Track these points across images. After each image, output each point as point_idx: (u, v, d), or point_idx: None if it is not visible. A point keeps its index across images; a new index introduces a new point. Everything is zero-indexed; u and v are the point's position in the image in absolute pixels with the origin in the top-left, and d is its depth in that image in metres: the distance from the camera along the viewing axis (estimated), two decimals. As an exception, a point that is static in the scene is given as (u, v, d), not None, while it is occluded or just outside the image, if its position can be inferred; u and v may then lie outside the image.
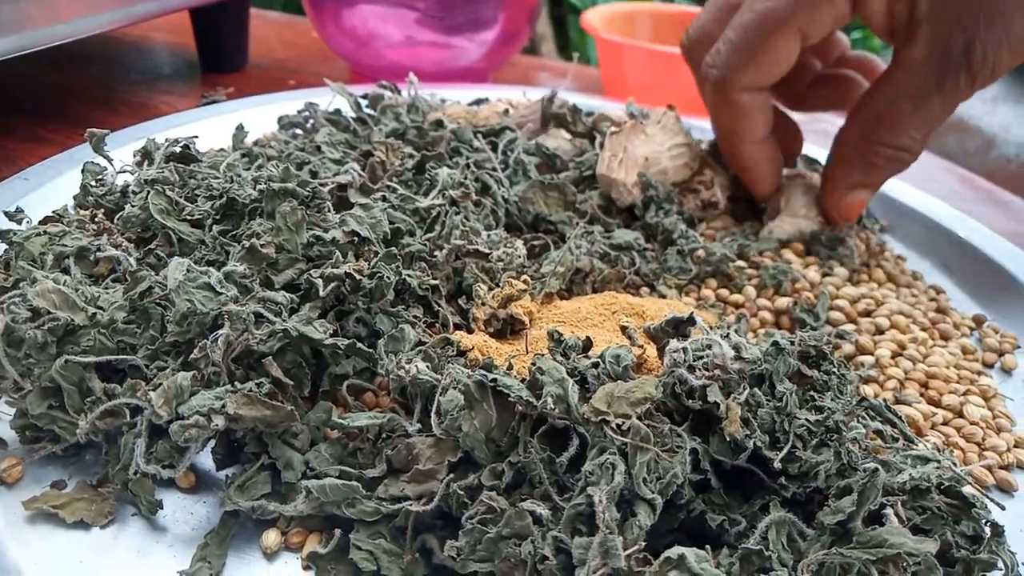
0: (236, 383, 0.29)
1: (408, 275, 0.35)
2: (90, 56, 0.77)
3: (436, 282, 0.37)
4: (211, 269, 0.32)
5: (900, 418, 0.32)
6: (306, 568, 0.27)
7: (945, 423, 0.36)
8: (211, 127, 0.53)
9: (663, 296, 0.43)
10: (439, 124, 0.50)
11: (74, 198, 0.41)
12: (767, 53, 0.43)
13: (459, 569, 0.25)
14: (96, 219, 0.38)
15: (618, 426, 0.26)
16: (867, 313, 0.43)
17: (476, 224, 0.41)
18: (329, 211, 0.38)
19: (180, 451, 0.28)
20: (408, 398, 0.31)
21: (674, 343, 0.29)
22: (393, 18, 0.72)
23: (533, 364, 0.28)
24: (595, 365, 0.29)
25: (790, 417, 0.28)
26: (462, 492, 0.26)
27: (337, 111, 0.53)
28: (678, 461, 0.26)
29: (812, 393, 0.30)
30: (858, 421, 0.30)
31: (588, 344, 0.32)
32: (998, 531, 0.28)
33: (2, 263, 0.35)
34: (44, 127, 0.60)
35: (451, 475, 0.27)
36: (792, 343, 0.31)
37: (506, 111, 0.56)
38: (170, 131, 0.50)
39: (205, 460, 0.30)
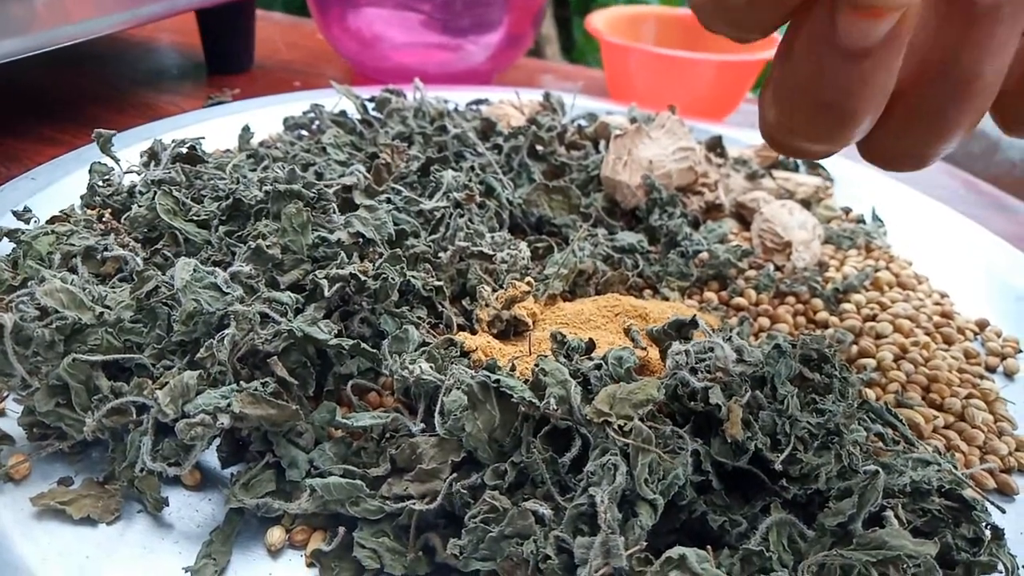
0: (242, 382, 0.29)
1: (412, 276, 0.36)
2: (97, 57, 0.77)
3: (440, 283, 0.37)
4: (217, 269, 0.32)
5: (901, 421, 0.32)
6: (310, 565, 0.27)
7: (947, 426, 0.36)
8: (217, 128, 0.53)
9: (666, 298, 0.43)
10: (443, 129, 0.50)
11: (81, 198, 0.41)
12: None
13: (462, 568, 0.26)
14: (103, 219, 0.39)
15: (620, 427, 0.26)
16: (871, 317, 0.43)
17: (480, 226, 0.41)
18: (334, 212, 0.38)
19: (186, 449, 0.28)
20: (412, 398, 0.31)
21: (677, 345, 0.29)
22: (398, 20, 0.72)
23: (536, 365, 0.28)
24: (598, 367, 0.29)
25: (791, 419, 0.28)
26: (465, 491, 0.27)
27: (342, 113, 0.53)
28: (680, 462, 0.26)
29: (813, 396, 0.30)
30: (859, 424, 0.30)
31: (591, 346, 0.32)
32: (998, 534, 0.28)
33: (10, 262, 0.35)
34: (51, 127, 0.60)
35: (454, 475, 0.27)
36: (794, 346, 0.31)
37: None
38: (176, 131, 0.50)
39: (210, 458, 0.30)
